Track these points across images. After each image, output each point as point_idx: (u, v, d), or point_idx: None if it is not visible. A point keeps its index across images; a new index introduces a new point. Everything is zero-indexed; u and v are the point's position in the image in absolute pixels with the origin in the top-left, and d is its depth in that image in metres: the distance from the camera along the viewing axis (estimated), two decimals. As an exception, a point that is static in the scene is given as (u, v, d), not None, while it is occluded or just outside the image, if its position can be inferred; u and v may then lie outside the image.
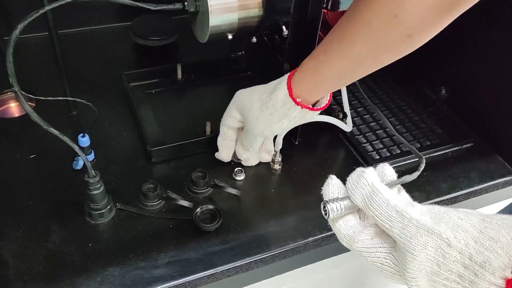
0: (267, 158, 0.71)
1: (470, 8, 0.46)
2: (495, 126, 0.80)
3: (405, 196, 0.44)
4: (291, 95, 0.57)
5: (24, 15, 0.49)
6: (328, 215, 0.43)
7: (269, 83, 0.62)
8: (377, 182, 0.42)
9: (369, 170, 0.43)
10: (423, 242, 0.37)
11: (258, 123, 0.62)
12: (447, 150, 0.79)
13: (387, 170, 0.45)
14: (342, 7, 0.59)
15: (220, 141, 0.69)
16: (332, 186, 0.45)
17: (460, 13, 0.46)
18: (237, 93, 0.66)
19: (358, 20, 0.49)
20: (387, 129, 0.81)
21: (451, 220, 0.37)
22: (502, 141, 0.79)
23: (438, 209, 0.39)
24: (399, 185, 0.44)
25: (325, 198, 0.44)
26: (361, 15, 0.48)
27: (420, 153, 0.55)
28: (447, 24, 0.47)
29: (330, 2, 0.58)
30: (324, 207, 0.43)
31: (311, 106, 0.59)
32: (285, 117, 0.60)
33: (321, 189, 0.46)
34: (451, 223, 0.37)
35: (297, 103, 0.57)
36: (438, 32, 0.48)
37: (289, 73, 0.59)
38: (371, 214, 0.41)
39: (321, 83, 0.57)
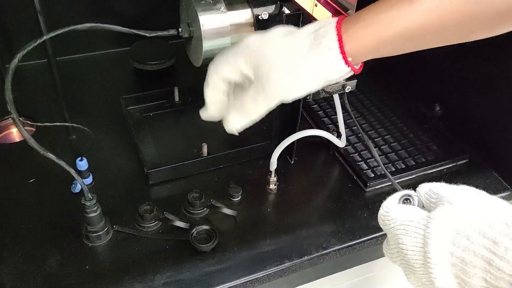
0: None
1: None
2: (490, 142, 0.81)
3: None
4: (343, 54, 0.46)
5: (26, 42, 0.51)
6: (413, 201, 0.46)
7: (301, 34, 0.47)
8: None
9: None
10: (465, 198, 0.42)
11: (286, 84, 0.47)
12: (443, 167, 0.80)
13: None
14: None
15: (209, 94, 0.52)
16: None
17: None
18: (248, 41, 0.49)
19: None
20: (382, 147, 0.82)
21: None
22: (497, 157, 0.80)
23: None
24: None
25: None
26: None
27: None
28: None
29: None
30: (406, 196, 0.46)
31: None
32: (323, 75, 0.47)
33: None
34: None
35: (348, 63, 0.46)
36: None
37: (336, 29, 0.46)
38: (429, 194, 0.45)
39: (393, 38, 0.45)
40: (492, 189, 0.76)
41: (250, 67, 0.49)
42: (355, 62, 0.47)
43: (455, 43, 0.46)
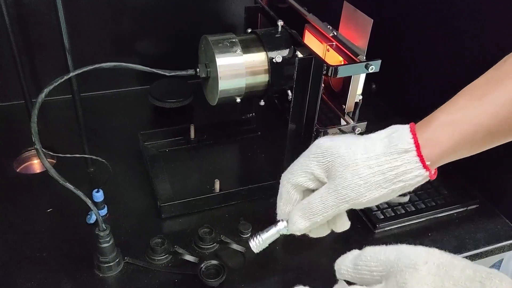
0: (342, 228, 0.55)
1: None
2: (500, 188, 0.81)
3: None
4: (420, 157, 0.44)
5: (53, 78, 0.54)
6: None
7: (374, 138, 0.48)
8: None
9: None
10: (424, 257, 0.37)
11: (359, 184, 0.46)
12: (453, 211, 0.80)
13: None
14: (340, 74, 0.63)
15: (281, 207, 0.53)
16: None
17: None
18: (319, 142, 0.49)
19: None
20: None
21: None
22: (507, 203, 0.79)
23: None
24: None
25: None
26: None
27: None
28: None
29: (330, 69, 0.63)
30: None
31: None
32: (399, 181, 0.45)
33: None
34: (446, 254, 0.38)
35: (426, 168, 0.44)
36: None
37: (409, 129, 0.45)
38: (363, 266, 0.43)
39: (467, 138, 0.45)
40: (503, 235, 0.76)
41: (323, 168, 0.48)
42: (433, 166, 0.45)
43: None
